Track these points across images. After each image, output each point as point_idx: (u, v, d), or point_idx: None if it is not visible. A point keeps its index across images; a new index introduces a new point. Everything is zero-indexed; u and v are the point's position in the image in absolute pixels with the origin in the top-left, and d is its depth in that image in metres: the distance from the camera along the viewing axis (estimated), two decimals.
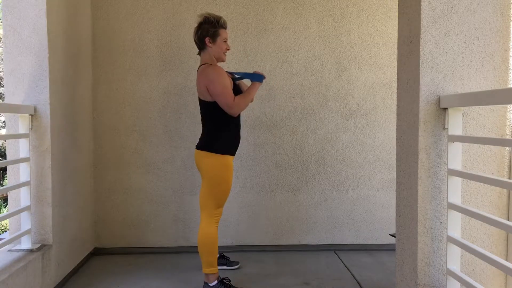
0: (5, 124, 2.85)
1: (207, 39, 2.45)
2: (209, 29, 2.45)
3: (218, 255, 2.72)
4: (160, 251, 3.31)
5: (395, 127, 1.91)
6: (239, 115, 2.50)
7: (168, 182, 3.35)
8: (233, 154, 2.47)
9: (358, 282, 2.71)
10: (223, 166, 2.40)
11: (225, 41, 2.51)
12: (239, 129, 2.53)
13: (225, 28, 2.50)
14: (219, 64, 2.57)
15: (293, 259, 3.13)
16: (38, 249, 2.34)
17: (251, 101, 2.55)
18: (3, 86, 10.15)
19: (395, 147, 1.90)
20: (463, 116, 1.67)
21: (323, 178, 3.40)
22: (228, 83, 2.41)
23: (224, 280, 2.51)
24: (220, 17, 2.49)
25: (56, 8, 2.55)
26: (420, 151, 1.66)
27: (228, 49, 2.54)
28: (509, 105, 1.70)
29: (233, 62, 3.30)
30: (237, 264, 2.94)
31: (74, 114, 2.87)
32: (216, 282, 2.46)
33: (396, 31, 1.90)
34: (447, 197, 1.64)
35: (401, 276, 1.83)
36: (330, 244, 3.40)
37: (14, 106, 2.36)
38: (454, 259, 1.63)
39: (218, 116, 2.39)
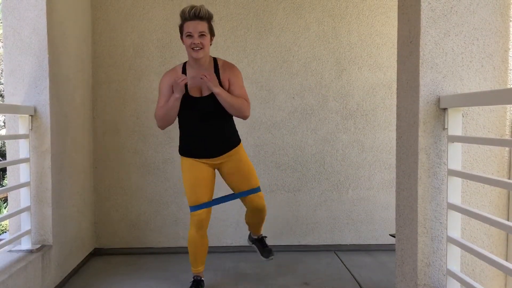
0: (5, 124, 2.85)
1: (180, 38, 2.29)
2: (179, 26, 2.28)
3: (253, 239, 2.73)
4: (160, 251, 3.30)
5: (395, 127, 1.91)
6: (196, 119, 2.32)
7: (168, 182, 3.34)
8: (188, 156, 2.39)
9: (358, 282, 2.71)
10: (183, 164, 2.43)
11: (189, 35, 2.20)
12: (199, 133, 2.34)
13: (190, 19, 2.19)
14: (192, 62, 2.31)
15: (293, 259, 3.13)
16: (38, 249, 2.34)
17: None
18: (2, 84, 10.14)
19: (395, 148, 1.90)
20: (463, 116, 1.67)
21: (323, 179, 3.40)
22: (165, 92, 2.29)
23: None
24: (188, 7, 2.21)
25: (56, 8, 2.55)
26: (420, 152, 1.66)
27: (195, 43, 2.19)
28: (509, 105, 1.71)
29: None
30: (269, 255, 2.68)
31: (74, 114, 2.87)
32: (192, 280, 2.53)
33: (396, 31, 1.90)
34: (447, 198, 1.64)
35: (401, 277, 1.83)
36: (330, 244, 3.40)
37: (14, 106, 2.37)
38: (454, 260, 1.63)
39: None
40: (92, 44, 3.29)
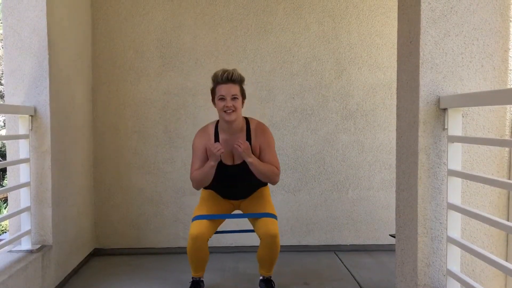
0: (5, 124, 2.85)
1: (212, 101, 2.34)
2: (211, 89, 2.33)
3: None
4: (160, 251, 3.30)
5: (395, 127, 1.91)
6: (228, 181, 2.41)
7: (168, 182, 3.34)
8: (217, 193, 2.52)
9: (358, 283, 2.71)
10: (204, 192, 2.54)
11: (222, 98, 2.23)
12: (229, 189, 2.48)
13: (223, 82, 2.24)
14: (225, 125, 2.33)
15: (293, 260, 3.13)
16: (38, 250, 2.34)
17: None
18: (2, 85, 10.13)
19: (395, 148, 1.90)
20: (463, 116, 1.67)
21: (323, 179, 3.40)
22: (199, 154, 2.34)
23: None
24: (220, 71, 2.26)
25: (56, 9, 2.55)
26: (420, 152, 1.66)
27: (228, 106, 2.22)
28: (509, 105, 1.71)
29: (233, 63, 3.30)
30: None
31: (74, 114, 2.87)
32: (191, 281, 2.49)
33: (396, 31, 1.90)
34: (447, 198, 1.64)
35: (401, 277, 1.83)
36: (330, 244, 3.40)
37: (14, 107, 2.37)
38: (454, 260, 1.63)
39: None
40: (92, 44, 3.29)
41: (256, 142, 2.36)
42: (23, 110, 2.35)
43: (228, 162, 2.37)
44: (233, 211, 2.59)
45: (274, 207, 2.48)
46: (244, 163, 2.31)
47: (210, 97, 2.36)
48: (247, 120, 2.42)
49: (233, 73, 2.26)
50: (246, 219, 2.53)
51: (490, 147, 1.70)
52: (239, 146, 2.22)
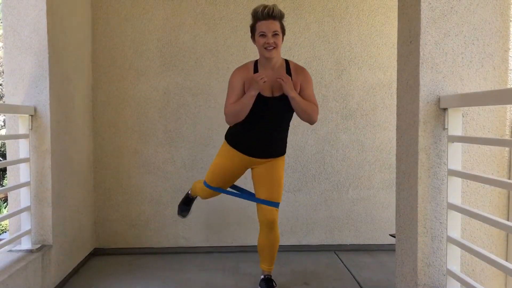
0: (5, 123, 2.85)
1: (252, 38, 2.32)
2: (251, 26, 2.30)
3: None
4: (160, 251, 3.30)
5: (395, 127, 1.91)
6: (261, 119, 2.35)
7: (168, 182, 3.34)
8: (239, 150, 2.42)
9: (358, 283, 2.71)
10: (223, 151, 2.51)
11: (262, 35, 2.22)
12: (259, 132, 2.39)
13: (263, 19, 2.22)
14: (264, 61, 2.32)
15: (293, 259, 3.13)
16: (38, 249, 2.34)
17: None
18: (1, 85, 10.12)
19: (395, 148, 1.91)
20: (463, 116, 1.67)
21: (323, 179, 3.40)
22: (237, 88, 2.31)
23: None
24: (261, 6, 2.23)
25: (56, 8, 2.55)
26: (420, 152, 1.66)
27: (269, 43, 2.21)
28: (509, 105, 1.71)
29: (233, 62, 3.30)
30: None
31: (74, 114, 2.87)
32: (188, 194, 2.84)
33: (396, 31, 1.90)
34: (447, 198, 1.64)
35: (401, 277, 1.83)
36: (330, 244, 3.40)
37: (14, 106, 2.37)
38: (454, 260, 1.63)
39: None
40: (92, 44, 3.29)
41: (297, 79, 2.35)
42: (23, 109, 2.35)
43: (267, 94, 2.33)
44: (242, 174, 2.55)
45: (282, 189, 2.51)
46: (282, 98, 2.30)
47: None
48: (286, 61, 2.42)
49: (273, 9, 2.22)
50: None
51: (490, 147, 1.70)
52: (282, 80, 2.22)
